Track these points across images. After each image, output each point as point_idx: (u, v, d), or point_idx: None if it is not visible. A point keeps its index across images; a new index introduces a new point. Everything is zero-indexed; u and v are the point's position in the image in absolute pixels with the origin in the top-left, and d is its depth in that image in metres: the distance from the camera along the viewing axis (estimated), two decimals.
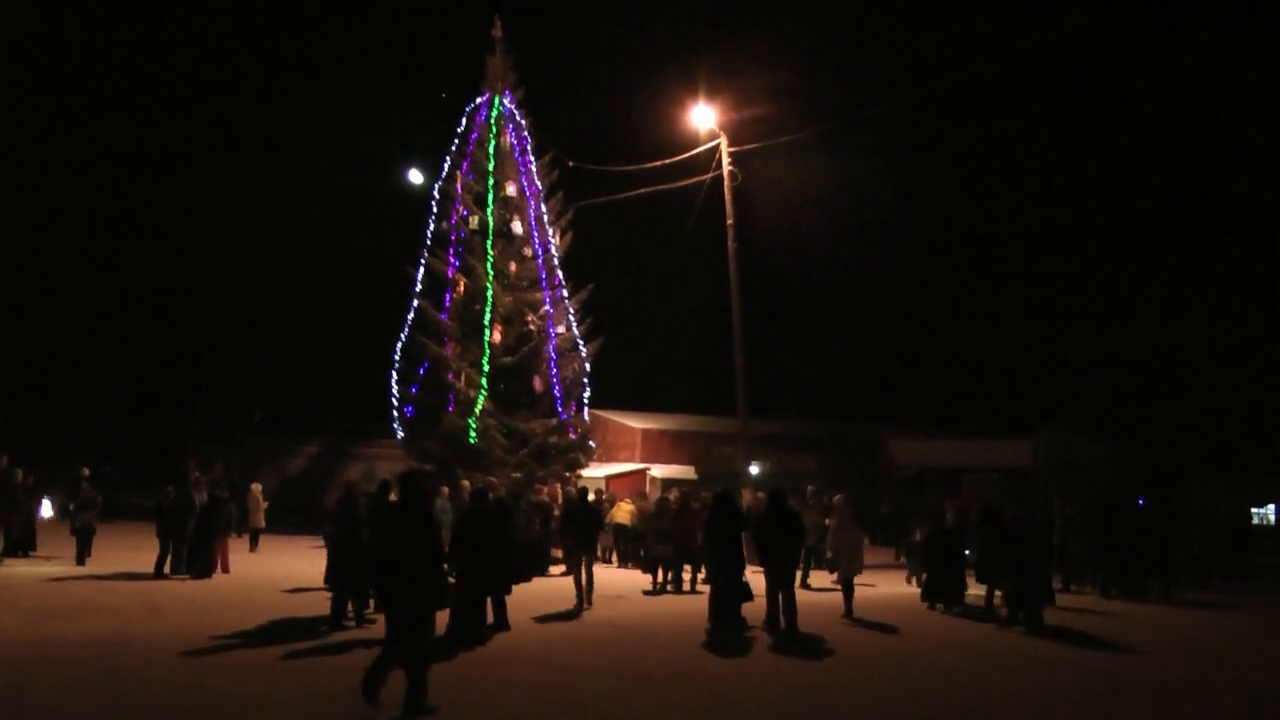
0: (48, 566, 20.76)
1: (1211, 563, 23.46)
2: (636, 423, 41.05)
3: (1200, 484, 32.88)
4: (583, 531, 18.34)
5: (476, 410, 28.47)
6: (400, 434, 30.63)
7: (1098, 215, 67.10)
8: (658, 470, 36.56)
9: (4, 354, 53.01)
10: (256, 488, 27.50)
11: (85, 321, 59.01)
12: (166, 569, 19.73)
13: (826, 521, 19.81)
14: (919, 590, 19.22)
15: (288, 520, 31.01)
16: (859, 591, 17.27)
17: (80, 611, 15.04)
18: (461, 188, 30.69)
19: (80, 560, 21.27)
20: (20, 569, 20.21)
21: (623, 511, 24.61)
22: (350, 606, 14.70)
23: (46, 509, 21.78)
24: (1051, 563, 17.19)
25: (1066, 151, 75.10)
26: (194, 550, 19.95)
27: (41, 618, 14.31)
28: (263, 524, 27.15)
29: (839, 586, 17.46)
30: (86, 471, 23.08)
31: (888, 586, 21.51)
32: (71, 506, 22.23)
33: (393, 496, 13.55)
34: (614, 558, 25.22)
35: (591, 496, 20.82)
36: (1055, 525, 19.82)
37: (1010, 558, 16.54)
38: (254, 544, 26.38)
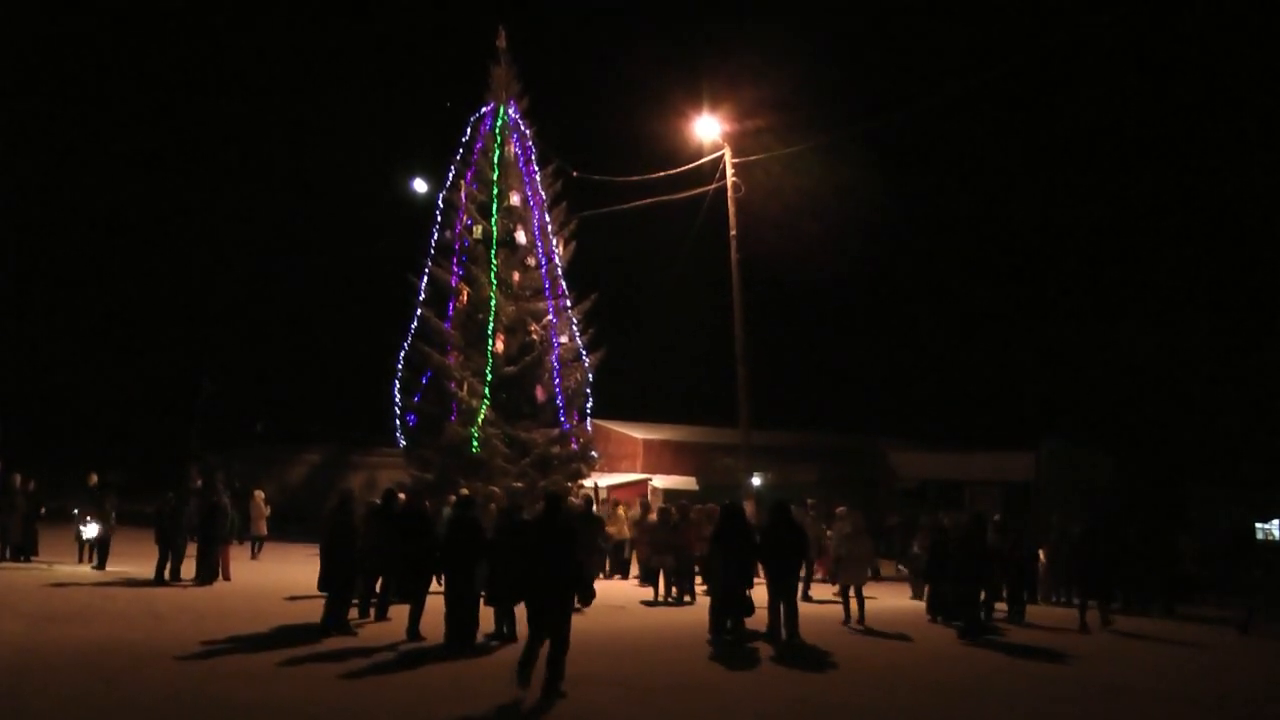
0: (50, 571, 20.77)
1: (1212, 578, 23.39)
2: (638, 433, 41.06)
3: (1204, 499, 32.78)
4: (584, 539, 18.42)
5: (479, 419, 28.46)
6: (402, 443, 30.62)
7: (1101, 225, 67.08)
8: (659, 480, 36.55)
9: (6, 361, 53.13)
10: (259, 495, 27.39)
11: (88, 328, 59.14)
12: (166, 575, 19.73)
13: (828, 532, 19.77)
14: (924, 602, 19.22)
15: (288, 528, 30.95)
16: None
17: (81, 617, 15.02)
18: (465, 197, 30.70)
19: (101, 565, 21.43)
20: (22, 574, 20.22)
21: (620, 521, 24.41)
22: (353, 612, 14.74)
23: (92, 530, 21.73)
24: (983, 580, 17.03)
25: (1068, 157, 75.08)
26: (198, 557, 19.95)
27: (43, 623, 14.29)
28: (265, 531, 27.07)
29: (839, 598, 17.57)
30: (95, 478, 23.10)
31: (891, 599, 21.49)
32: (88, 515, 22.25)
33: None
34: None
35: (595, 508, 20.67)
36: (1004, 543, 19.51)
37: (949, 566, 16.81)
38: (256, 551, 26.35)
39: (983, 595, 17.28)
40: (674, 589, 20.19)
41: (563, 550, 10.95)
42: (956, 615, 17.55)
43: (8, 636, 13.10)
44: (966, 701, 11.71)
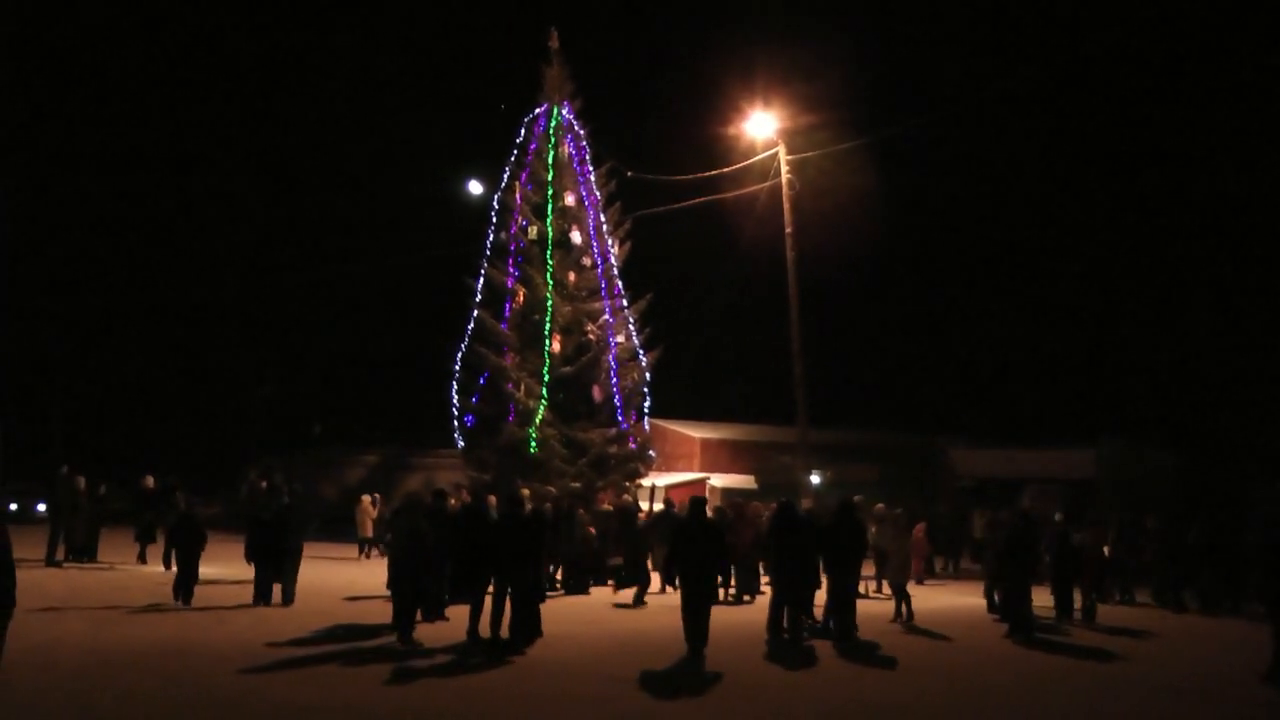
0: (112, 572, 21.09)
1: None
2: (695, 432, 40.93)
3: (1269, 498, 32.11)
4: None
5: (536, 420, 28.50)
6: (460, 444, 30.74)
7: (1164, 220, 65.92)
8: (717, 480, 36.45)
9: (69, 369, 54.03)
10: (366, 499, 27.58)
11: (148, 331, 59.72)
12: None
13: (873, 529, 19.59)
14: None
15: (348, 529, 31.19)
16: (924, 601, 17.14)
17: (144, 618, 15.24)
18: (520, 198, 30.76)
19: (168, 565, 21.67)
20: (85, 575, 20.53)
21: None
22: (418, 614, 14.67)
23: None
24: (1025, 578, 16.72)
25: (1128, 151, 73.82)
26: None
27: (106, 623, 14.51)
28: (370, 533, 27.14)
29: (887, 596, 17.53)
30: (151, 481, 23.39)
31: (950, 597, 21.27)
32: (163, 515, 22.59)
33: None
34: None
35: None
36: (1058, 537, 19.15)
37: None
38: (362, 551, 26.61)
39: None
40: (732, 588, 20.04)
41: (711, 540, 13.50)
42: (1012, 614, 17.36)
43: (72, 637, 13.32)
44: (1032, 706, 11.55)
